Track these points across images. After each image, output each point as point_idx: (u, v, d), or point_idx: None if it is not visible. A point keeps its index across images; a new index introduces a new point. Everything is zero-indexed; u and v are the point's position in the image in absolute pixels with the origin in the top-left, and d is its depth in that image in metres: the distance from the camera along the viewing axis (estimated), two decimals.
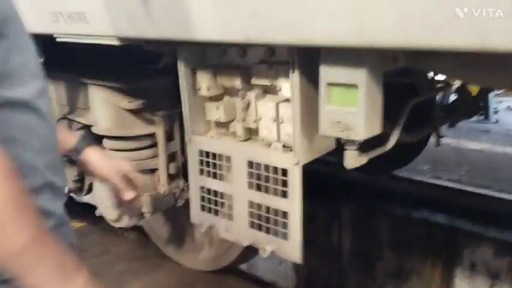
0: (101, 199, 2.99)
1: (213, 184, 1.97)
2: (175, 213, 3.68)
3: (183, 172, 3.18)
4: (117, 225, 2.97)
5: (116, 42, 1.95)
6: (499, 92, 8.40)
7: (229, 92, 1.95)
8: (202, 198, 2.03)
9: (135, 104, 2.79)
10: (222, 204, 1.97)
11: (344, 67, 1.39)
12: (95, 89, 2.88)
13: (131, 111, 2.84)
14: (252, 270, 5.11)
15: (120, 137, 2.93)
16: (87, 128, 3.02)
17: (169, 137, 3.02)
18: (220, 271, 3.44)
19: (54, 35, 2.25)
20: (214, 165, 1.94)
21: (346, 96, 1.41)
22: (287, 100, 1.70)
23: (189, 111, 1.99)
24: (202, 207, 2.04)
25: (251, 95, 1.82)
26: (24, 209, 0.91)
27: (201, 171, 2.00)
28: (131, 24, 1.78)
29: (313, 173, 3.05)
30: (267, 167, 1.76)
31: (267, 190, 1.78)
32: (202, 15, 1.54)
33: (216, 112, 1.93)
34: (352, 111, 1.41)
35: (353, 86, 1.38)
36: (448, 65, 1.36)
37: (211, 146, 1.94)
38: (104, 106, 2.88)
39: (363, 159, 1.56)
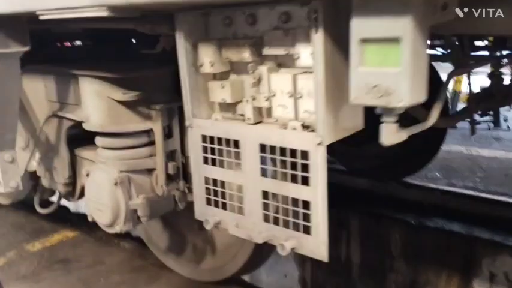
0: (92, 202, 2.72)
1: (220, 174, 1.70)
2: (175, 220, 3.42)
3: (183, 172, 2.93)
4: (110, 230, 2.69)
5: (104, 13, 1.69)
6: None
7: (236, 68, 1.69)
8: (208, 191, 1.76)
9: (130, 95, 2.54)
10: (231, 196, 1.69)
11: (383, 16, 1.13)
12: (86, 81, 2.63)
13: (126, 104, 2.59)
14: (256, 284, 4.84)
15: (114, 134, 2.68)
16: (78, 124, 2.77)
17: (168, 134, 2.77)
18: (224, 282, 3.16)
19: (38, 12, 2.00)
20: (220, 152, 1.67)
21: (385, 54, 1.15)
22: (306, 71, 1.44)
23: (190, 92, 1.73)
24: (208, 201, 1.77)
25: (263, 68, 1.56)
26: None
27: (205, 160, 1.73)
28: None
29: None
30: (283, 150, 1.48)
31: (284, 177, 1.51)
32: None
33: (221, 92, 1.67)
34: (394, 71, 1.14)
35: (395, 40, 1.12)
36: None
37: (217, 130, 1.67)
38: (96, 100, 2.63)
39: (403, 135, 1.29)
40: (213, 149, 1.70)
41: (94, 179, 2.75)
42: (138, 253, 3.63)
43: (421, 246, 4.54)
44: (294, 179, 1.50)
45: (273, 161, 1.52)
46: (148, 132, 2.75)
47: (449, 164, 5.73)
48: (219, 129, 1.66)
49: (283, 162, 1.50)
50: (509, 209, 4.42)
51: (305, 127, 1.48)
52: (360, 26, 1.18)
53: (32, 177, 3.17)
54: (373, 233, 4.72)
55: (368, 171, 5.01)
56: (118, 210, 2.64)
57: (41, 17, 1.98)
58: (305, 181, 1.46)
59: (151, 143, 2.76)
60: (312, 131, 1.45)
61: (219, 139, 1.66)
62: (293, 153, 1.47)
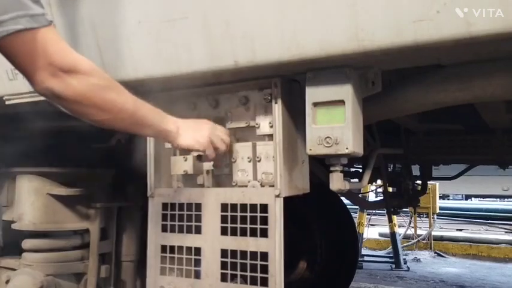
0: None
1: (178, 239, 1.80)
2: None
3: (114, 278, 2.86)
4: None
5: None
6: (403, 245, 8.99)
7: None
8: (164, 260, 1.82)
9: (72, 190, 2.60)
10: (188, 261, 1.77)
11: (330, 86, 1.49)
12: (25, 179, 2.66)
13: (64, 201, 2.63)
14: None
15: (45, 235, 2.65)
16: (7, 224, 2.68)
17: (102, 236, 2.78)
18: None
19: (5, 98, 2.14)
20: (180, 217, 1.80)
21: (333, 113, 1.49)
22: (265, 137, 1.73)
23: (154, 166, 1.91)
24: (162, 270, 1.81)
25: None
26: None
27: (164, 228, 1.83)
28: (106, 64, 1.78)
29: None
30: (244, 207, 1.67)
31: (243, 233, 1.67)
32: (187, 43, 1.60)
33: (183, 164, 1.87)
34: (340, 126, 1.48)
35: (340, 101, 1.48)
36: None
37: (179, 196, 1.82)
38: (33, 196, 2.64)
39: (347, 185, 1.57)
40: (172, 217, 1.82)
41: (15, 284, 2.60)
42: None
43: None
44: (252, 234, 1.66)
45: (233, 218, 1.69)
46: (82, 233, 2.74)
47: None
48: (181, 195, 1.82)
49: (243, 219, 1.68)
50: None
51: (262, 186, 1.70)
52: (313, 93, 1.53)
53: None
54: None
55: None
56: None
57: (11, 102, 2.10)
58: (264, 232, 1.63)
59: (84, 245, 2.73)
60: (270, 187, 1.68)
61: (180, 205, 1.80)
62: (252, 209, 1.66)
